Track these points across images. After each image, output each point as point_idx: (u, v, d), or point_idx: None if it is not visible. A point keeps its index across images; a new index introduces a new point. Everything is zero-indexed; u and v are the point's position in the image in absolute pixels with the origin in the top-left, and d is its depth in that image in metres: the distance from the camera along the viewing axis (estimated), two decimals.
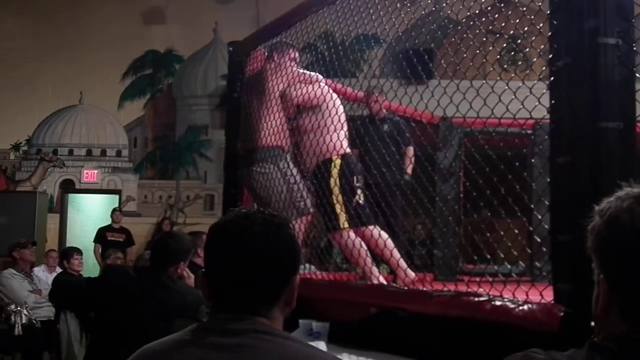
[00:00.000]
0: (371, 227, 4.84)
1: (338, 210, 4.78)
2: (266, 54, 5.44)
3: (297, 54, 5.24)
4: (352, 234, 4.76)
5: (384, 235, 4.78)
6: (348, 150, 5.00)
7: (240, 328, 1.72)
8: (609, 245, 1.37)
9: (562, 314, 2.45)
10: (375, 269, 4.79)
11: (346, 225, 4.77)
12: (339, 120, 4.88)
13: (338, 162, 4.89)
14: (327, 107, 4.92)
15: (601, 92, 2.47)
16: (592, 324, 2.20)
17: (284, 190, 4.95)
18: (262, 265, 1.77)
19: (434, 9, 4.06)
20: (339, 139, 4.89)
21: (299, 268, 1.90)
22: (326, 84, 5.13)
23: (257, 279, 1.77)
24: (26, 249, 8.57)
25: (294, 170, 5.06)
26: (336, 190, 4.83)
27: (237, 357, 1.69)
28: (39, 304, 7.90)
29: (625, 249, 1.34)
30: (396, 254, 4.75)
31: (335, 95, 5.05)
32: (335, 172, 4.86)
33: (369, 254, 4.75)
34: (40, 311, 7.86)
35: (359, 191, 4.96)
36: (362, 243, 4.73)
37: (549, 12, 2.70)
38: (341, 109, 5.01)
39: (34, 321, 7.70)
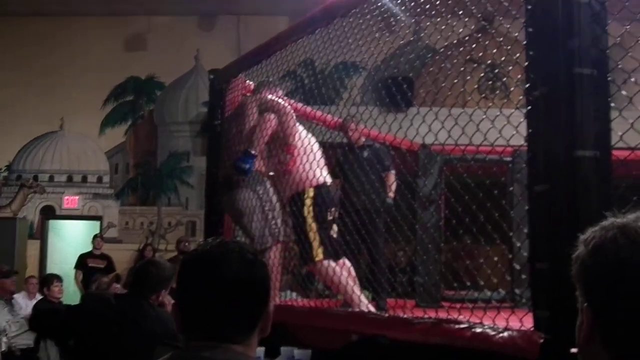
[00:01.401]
0: (341, 262, 4.85)
1: (312, 241, 4.79)
2: (251, 86, 5.51)
3: (281, 93, 5.31)
4: (328, 263, 4.76)
5: (352, 271, 4.81)
6: (325, 180, 5.01)
7: (215, 357, 1.72)
8: (592, 274, 1.38)
9: (541, 340, 2.46)
10: (363, 296, 4.80)
11: (320, 256, 4.78)
12: (312, 151, 4.89)
13: (311, 193, 4.91)
14: (301, 141, 4.96)
15: (577, 122, 2.50)
16: (573, 350, 2.23)
17: (258, 216, 4.96)
18: (241, 294, 1.77)
19: (412, 38, 4.11)
20: (313, 170, 4.91)
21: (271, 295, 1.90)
22: (304, 112, 5.18)
23: (235, 307, 1.77)
24: (7, 279, 8.39)
25: (272, 197, 5.07)
26: (309, 220, 4.84)
27: None
28: (18, 331, 7.81)
29: (608, 279, 1.35)
30: (357, 290, 4.76)
31: (302, 129, 5.10)
32: (308, 202, 4.87)
33: (350, 281, 4.75)
34: (18, 339, 7.77)
35: (333, 224, 5.00)
36: (342, 271, 4.73)
37: (525, 42, 2.74)
38: (313, 140, 5.05)
39: (14, 349, 7.61)
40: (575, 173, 2.48)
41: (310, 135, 5.10)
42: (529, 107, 2.67)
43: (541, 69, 2.64)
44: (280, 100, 5.10)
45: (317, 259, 4.77)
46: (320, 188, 4.93)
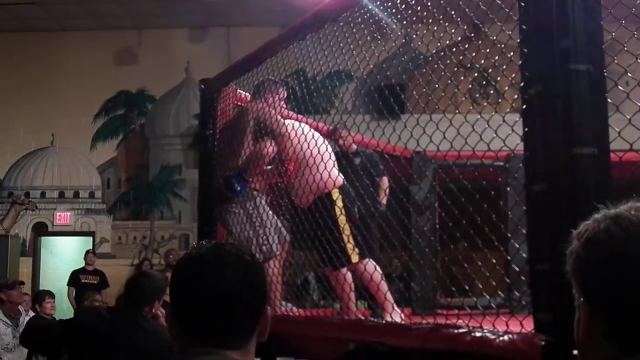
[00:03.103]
0: (365, 261, 4.76)
1: (345, 243, 4.68)
2: (242, 94, 5.44)
3: (285, 92, 5.20)
4: (367, 263, 4.69)
5: (378, 269, 4.73)
6: (343, 181, 4.95)
7: None
8: (587, 267, 1.35)
9: (543, 343, 2.42)
10: (352, 305, 4.74)
11: (356, 258, 4.69)
12: (327, 152, 4.83)
13: (338, 194, 4.82)
14: (316, 143, 4.82)
15: (574, 119, 2.47)
16: (576, 352, 2.19)
17: (249, 233, 4.88)
18: (238, 298, 1.72)
19: (404, 40, 4.07)
20: (333, 171, 4.85)
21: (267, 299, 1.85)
22: (296, 120, 5.12)
23: (232, 312, 1.71)
24: (13, 290, 8.17)
25: (263, 214, 4.97)
26: (341, 222, 4.74)
27: None
28: (8, 348, 7.71)
29: (603, 271, 1.32)
30: (385, 288, 4.69)
31: (314, 131, 5.01)
32: (339, 203, 4.78)
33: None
34: (10, 355, 7.67)
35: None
36: (379, 276, 4.65)
37: (519, 40, 2.70)
38: (321, 141, 4.94)
39: None
40: (573, 171, 2.45)
41: (321, 138, 4.98)
42: (525, 106, 2.64)
43: (536, 66, 2.60)
44: (277, 120, 4.96)
45: (354, 260, 4.69)
46: (342, 188, 4.88)
